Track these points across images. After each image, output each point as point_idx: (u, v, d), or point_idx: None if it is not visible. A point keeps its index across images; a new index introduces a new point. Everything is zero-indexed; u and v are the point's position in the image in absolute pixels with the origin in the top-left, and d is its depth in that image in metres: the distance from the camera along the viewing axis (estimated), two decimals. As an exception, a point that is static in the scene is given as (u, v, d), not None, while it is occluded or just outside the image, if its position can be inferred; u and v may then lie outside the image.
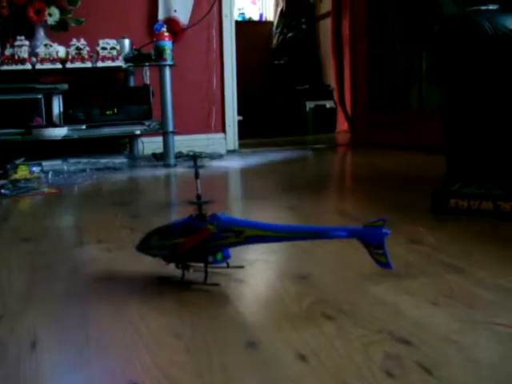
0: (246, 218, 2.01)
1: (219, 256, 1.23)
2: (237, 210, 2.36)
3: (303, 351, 0.89)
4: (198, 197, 1.21)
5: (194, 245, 1.19)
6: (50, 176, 3.07)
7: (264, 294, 1.23)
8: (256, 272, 1.35)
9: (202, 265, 1.22)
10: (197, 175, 1.21)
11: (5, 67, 3.31)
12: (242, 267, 1.32)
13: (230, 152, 4.20)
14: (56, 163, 3.38)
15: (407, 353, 0.87)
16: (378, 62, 4.40)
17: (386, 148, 4.03)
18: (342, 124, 5.76)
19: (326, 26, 6.29)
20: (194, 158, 1.25)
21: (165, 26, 3.61)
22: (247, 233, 1.18)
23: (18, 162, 3.14)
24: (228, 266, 1.27)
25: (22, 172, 2.80)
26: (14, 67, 3.31)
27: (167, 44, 3.47)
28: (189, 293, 1.20)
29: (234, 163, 3.77)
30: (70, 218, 2.21)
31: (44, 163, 3.19)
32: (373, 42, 4.42)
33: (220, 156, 4.01)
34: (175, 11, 4.05)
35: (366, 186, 2.65)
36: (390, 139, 4.15)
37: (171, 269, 1.25)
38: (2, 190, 2.62)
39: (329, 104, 6.08)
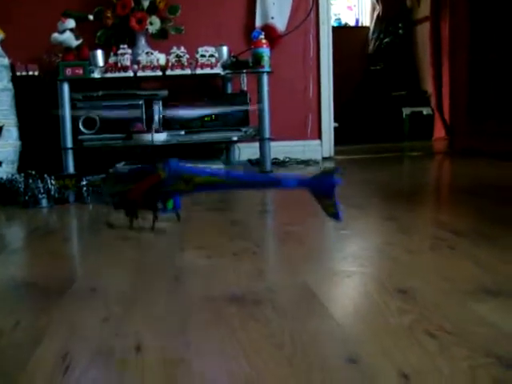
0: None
1: (170, 204, 1.28)
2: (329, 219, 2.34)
3: (405, 370, 0.87)
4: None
5: (144, 189, 1.23)
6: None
7: (364, 307, 1.21)
8: (355, 284, 1.34)
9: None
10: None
11: (109, 74, 3.44)
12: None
13: (326, 159, 4.18)
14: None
15: (516, 380, 0.83)
16: (479, 67, 4.26)
17: (486, 157, 3.91)
18: (440, 131, 5.63)
19: (423, 30, 6.17)
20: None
21: (262, 33, 3.64)
22: (196, 180, 1.21)
23: (118, 166, 3.25)
24: (179, 219, 1.32)
25: (123, 176, 2.87)
26: (117, 74, 3.44)
27: (265, 51, 3.51)
28: (288, 304, 1.20)
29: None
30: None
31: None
32: (474, 46, 4.30)
33: (315, 162, 4.01)
34: (272, 18, 4.09)
35: (466, 198, 2.57)
36: (491, 148, 4.02)
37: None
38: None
39: (426, 110, 5.95)
